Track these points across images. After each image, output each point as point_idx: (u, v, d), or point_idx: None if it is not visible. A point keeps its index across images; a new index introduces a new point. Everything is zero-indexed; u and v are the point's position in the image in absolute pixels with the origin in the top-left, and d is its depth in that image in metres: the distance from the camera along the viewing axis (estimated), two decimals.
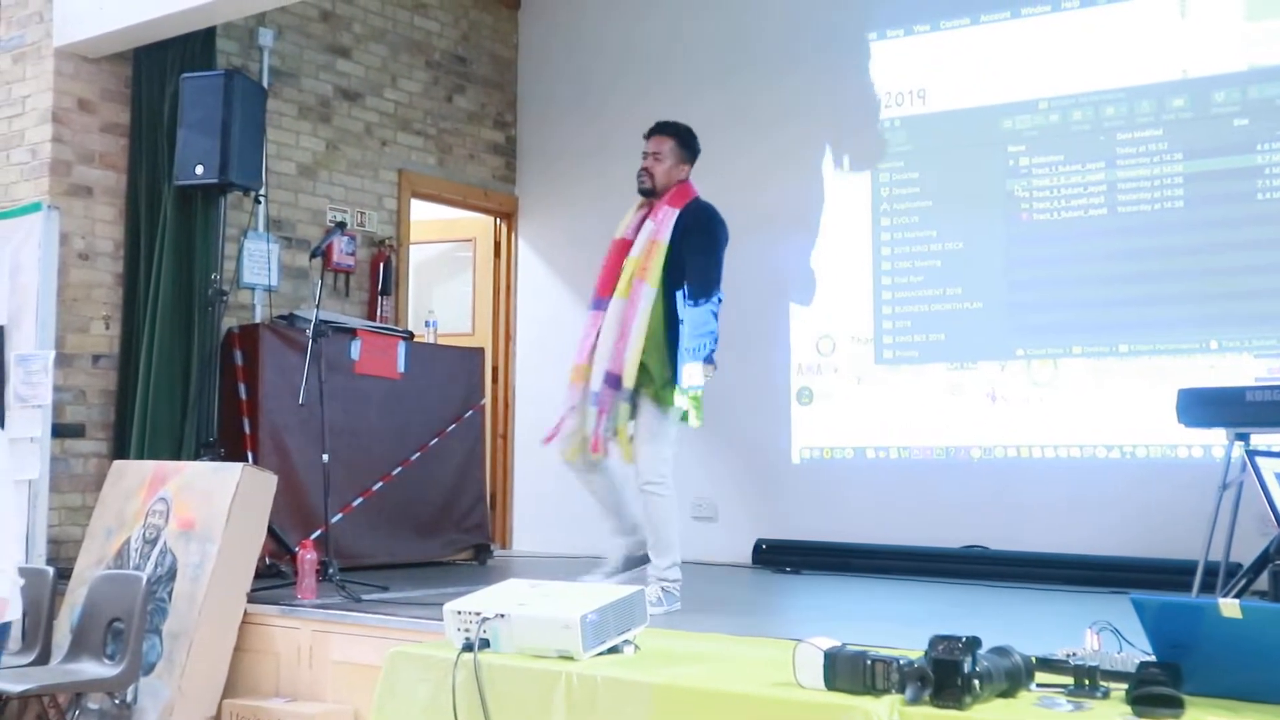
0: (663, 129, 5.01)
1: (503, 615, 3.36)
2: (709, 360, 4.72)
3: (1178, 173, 6.20)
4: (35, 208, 5.56)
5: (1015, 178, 6.61)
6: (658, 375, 4.77)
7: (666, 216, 4.84)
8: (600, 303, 4.94)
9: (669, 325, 4.77)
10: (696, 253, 4.80)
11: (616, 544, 5.05)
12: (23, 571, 4.91)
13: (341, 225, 6.42)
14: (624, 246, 4.95)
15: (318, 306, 5.68)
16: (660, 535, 4.82)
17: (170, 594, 4.88)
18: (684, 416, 4.80)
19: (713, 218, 4.90)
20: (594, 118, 7.99)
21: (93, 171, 6.05)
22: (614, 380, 4.76)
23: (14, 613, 3.92)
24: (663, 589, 4.74)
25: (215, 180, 5.75)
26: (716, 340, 4.76)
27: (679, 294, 4.78)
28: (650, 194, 4.96)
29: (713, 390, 4.90)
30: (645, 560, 4.91)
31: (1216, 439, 5.57)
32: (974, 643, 2.68)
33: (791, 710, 2.81)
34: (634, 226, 4.98)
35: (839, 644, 2.86)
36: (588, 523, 7.57)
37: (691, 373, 4.69)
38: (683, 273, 4.78)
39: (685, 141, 4.99)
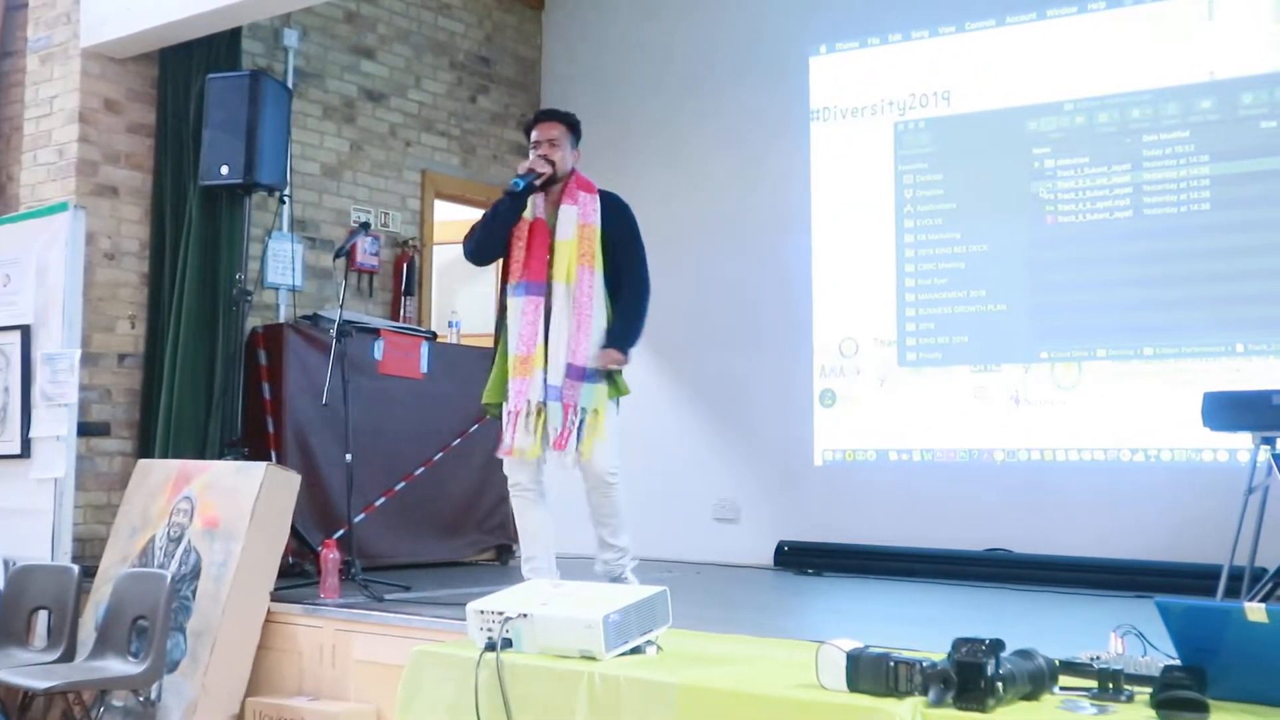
0: (552, 115, 5.03)
1: (525, 615, 3.36)
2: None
3: (1204, 175, 6.16)
4: (62, 208, 5.59)
5: (1040, 180, 6.59)
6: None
7: (587, 201, 4.85)
8: (534, 287, 4.79)
9: (609, 312, 4.81)
10: (630, 241, 4.87)
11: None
12: (47, 569, 4.98)
13: (365, 226, 6.42)
14: (542, 227, 4.84)
15: (341, 307, 5.70)
16: (623, 519, 4.97)
17: (194, 592, 4.91)
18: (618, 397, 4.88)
19: (629, 208, 4.97)
20: (616, 119, 7.99)
21: (119, 172, 6.09)
22: (578, 372, 4.71)
23: None
24: (632, 570, 4.86)
25: (240, 180, 5.77)
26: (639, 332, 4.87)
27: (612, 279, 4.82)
28: (552, 182, 4.89)
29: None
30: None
31: (1242, 443, 5.56)
32: (997, 645, 2.67)
33: (814, 712, 2.81)
34: (542, 209, 4.89)
35: (862, 645, 2.85)
36: None
37: (618, 359, 4.74)
38: (613, 258, 4.82)
39: (574, 126, 5.02)
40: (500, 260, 5.00)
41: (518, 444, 4.80)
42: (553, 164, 4.85)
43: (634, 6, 8.09)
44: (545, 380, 4.73)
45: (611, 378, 4.81)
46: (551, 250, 4.78)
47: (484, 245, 4.93)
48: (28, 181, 6.14)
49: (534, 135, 4.97)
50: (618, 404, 4.88)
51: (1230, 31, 6.14)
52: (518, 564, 7.00)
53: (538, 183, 4.82)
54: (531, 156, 4.91)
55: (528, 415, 4.76)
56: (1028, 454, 6.52)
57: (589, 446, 4.75)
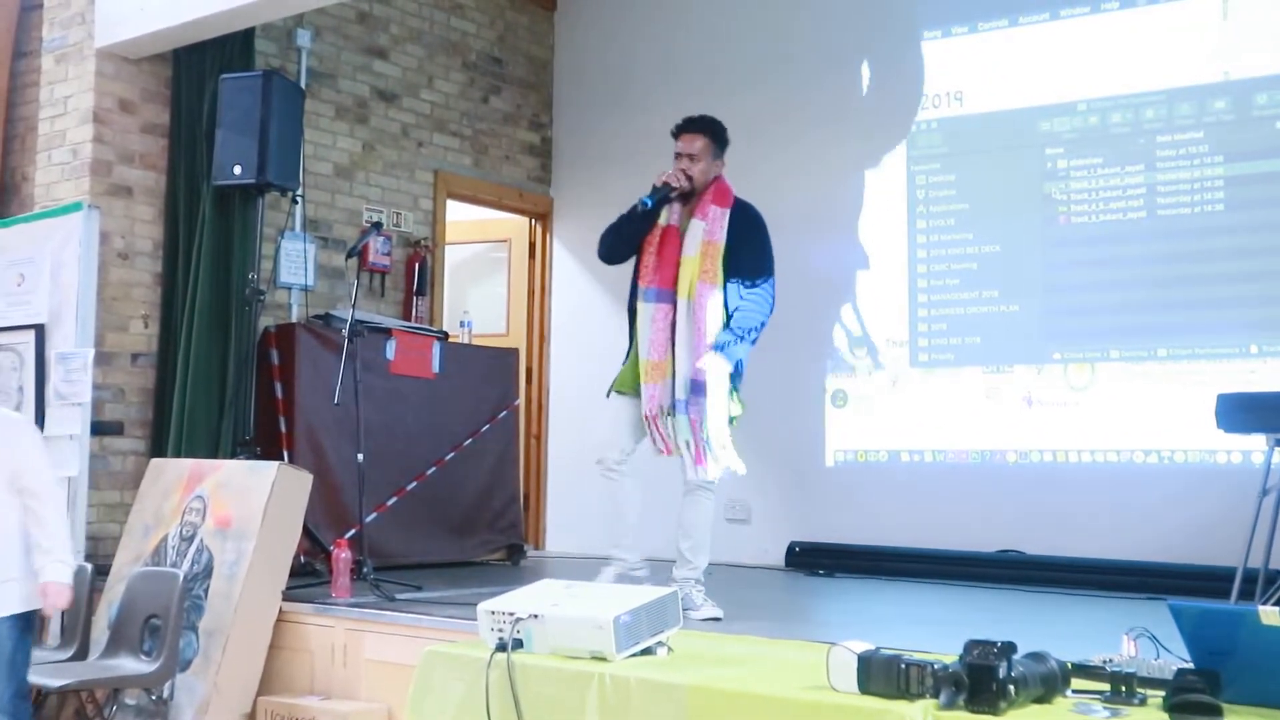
0: (693, 125, 4.95)
1: (536, 615, 3.37)
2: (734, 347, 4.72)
3: (1218, 175, 6.14)
4: (76, 207, 5.61)
5: (1053, 180, 6.57)
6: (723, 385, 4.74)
7: (717, 216, 4.81)
8: (664, 294, 4.80)
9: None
10: (753, 254, 4.82)
11: (627, 558, 4.95)
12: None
13: (378, 225, 6.45)
14: (674, 234, 4.85)
15: (354, 306, 5.71)
16: (704, 537, 4.84)
17: (206, 591, 4.92)
18: (731, 420, 4.79)
19: (761, 219, 4.90)
20: (630, 119, 7.99)
21: (133, 171, 6.10)
22: (700, 388, 4.69)
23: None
24: (702, 590, 4.75)
25: (253, 180, 5.78)
26: (757, 333, 4.78)
27: (732, 287, 4.77)
28: (689, 194, 4.88)
29: (747, 392, 4.90)
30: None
31: (1256, 444, 5.54)
32: (1009, 648, 2.66)
33: (825, 714, 2.80)
34: (678, 215, 4.89)
35: (873, 647, 2.84)
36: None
37: (710, 363, 4.66)
38: (737, 273, 4.77)
39: (717, 136, 4.95)
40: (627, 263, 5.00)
41: (675, 445, 4.78)
42: (690, 178, 4.83)
43: (645, 6, 8.09)
44: (673, 391, 4.74)
45: (731, 394, 4.75)
46: (678, 261, 4.79)
47: (615, 249, 4.97)
48: (42, 181, 6.16)
49: (677, 146, 4.93)
50: (732, 422, 4.79)
51: (1244, 31, 6.11)
52: (529, 564, 7.04)
53: (672, 195, 4.83)
54: (672, 168, 4.89)
55: (665, 417, 4.76)
56: (1040, 455, 6.50)
57: (713, 464, 4.73)
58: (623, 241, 4.92)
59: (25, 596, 3.91)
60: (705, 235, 4.77)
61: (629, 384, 4.87)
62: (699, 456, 4.71)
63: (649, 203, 4.79)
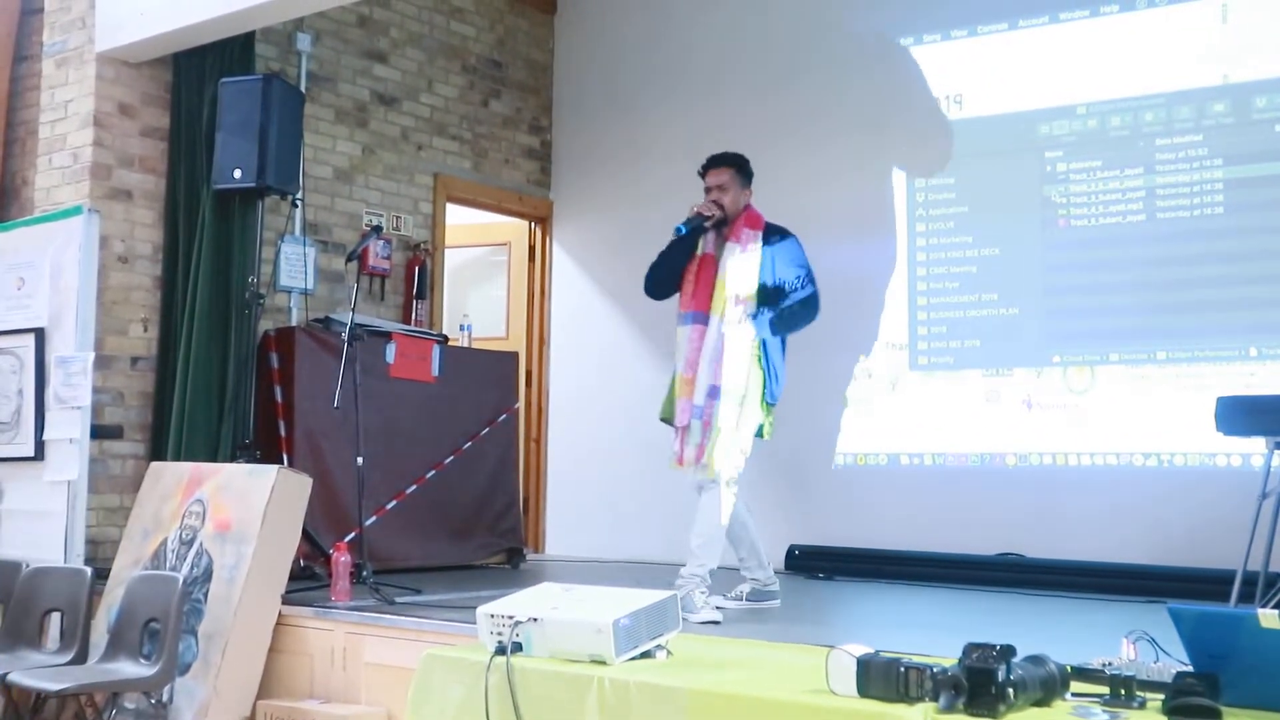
0: (719, 160, 5.29)
1: (535, 619, 3.37)
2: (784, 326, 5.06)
3: (1218, 178, 6.14)
4: (76, 211, 5.61)
5: (1053, 183, 6.57)
6: (751, 393, 5.01)
7: (749, 238, 5.11)
8: (699, 316, 5.12)
9: (760, 345, 5.03)
10: (790, 265, 5.11)
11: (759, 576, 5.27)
12: (60, 571, 5.00)
13: (377, 229, 6.45)
14: (710, 261, 5.16)
15: (353, 310, 5.72)
16: (712, 534, 5.03)
17: (206, 595, 4.92)
18: (760, 432, 5.07)
19: (793, 237, 5.18)
20: (629, 123, 8.01)
21: (133, 175, 6.11)
22: (715, 392, 4.98)
23: None
24: (705, 592, 4.89)
25: (253, 184, 5.79)
26: (798, 322, 5.11)
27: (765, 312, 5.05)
28: (722, 223, 5.18)
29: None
30: (773, 596, 5.24)
31: (1256, 447, 5.54)
32: (1008, 651, 2.66)
33: (824, 717, 2.81)
34: (713, 244, 5.20)
35: (872, 651, 2.85)
36: (620, 527, 7.63)
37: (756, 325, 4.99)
38: (776, 288, 5.08)
39: (742, 168, 5.28)
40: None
41: (685, 456, 5.11)
42: (721, 208, 5.15)
43: (645, 10, 8.09)
44: (692, 401, 5.04)
45: (755, 405, 5.01)
46: (714, 284, 5.09)
47: (659, 284, 5.29)
48: (42, 185, 6.17)
49: (706, 182, 5.26)
50: (760, 433, 5.07)
51: (1244, 35, 6.11)
52: (528, 567, 7.05)
53: (707, 225, 5.14)
54: (703, 200, 5.21)
55: (688, 431, 5.07)
56: (1040, 458, 6.50)
57: (712, 461, 4.98)
58: (665, 274, 5.25)
59: None
60: (741, 256, 5.09)
61: (668, 411, 5.22)
62: (699, 453, 4.96)
63: (683, 229, 5.11)
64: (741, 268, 5.05)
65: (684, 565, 4.97)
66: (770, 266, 5.08)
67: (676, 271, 5.21)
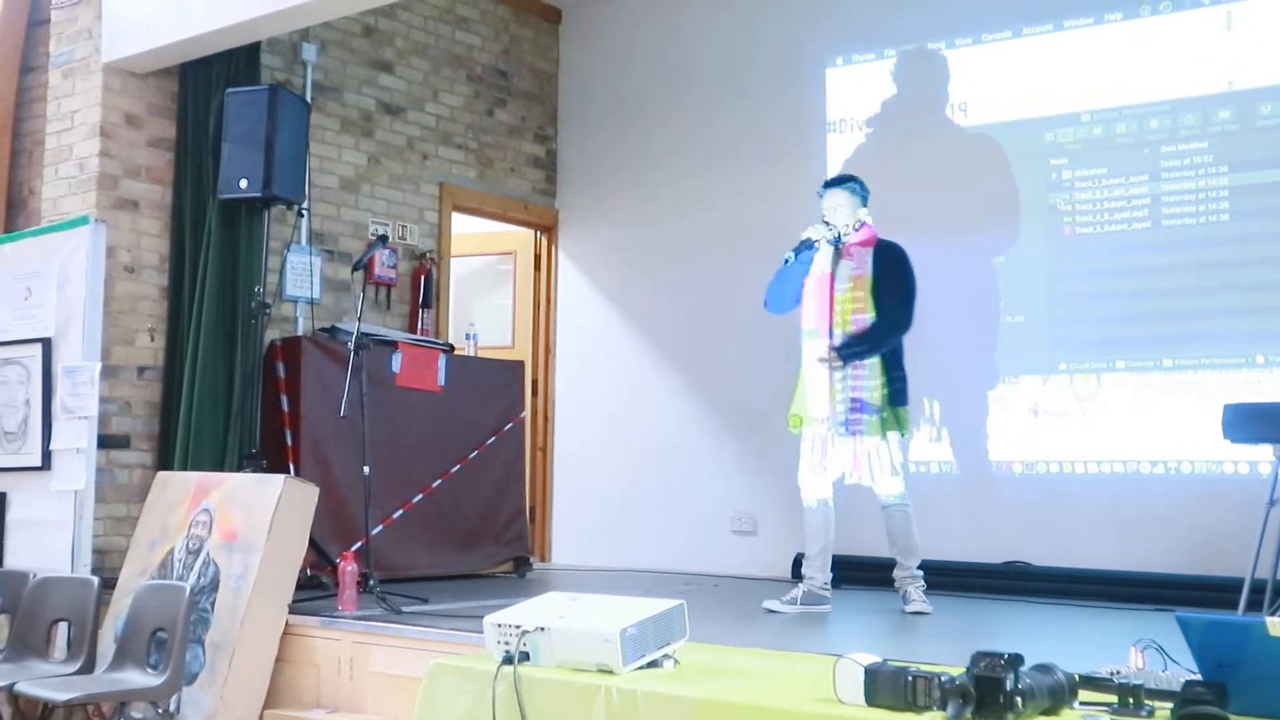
0: (835, 182, 5.61)
1: (542, 628, 3.36)
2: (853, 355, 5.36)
3: (1223, 186, 6.14)
4: (83, 221, 5.63)
5: (1058, 191, 6.57)
6: (885, 402, 5.35)
7: (862, 255, 5.43)
8: (818, 332, 5.43)
9: (885, 355, 5.37)
10: (894, 282, 5.39)
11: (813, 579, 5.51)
12: (67, 581, 5.00)
13: (383, 238, 6.45)
14: (826, 280, 5.44)
15: (359, 319, 5.72)
16: (913, 542, 5.48)
17: (213, 604, 4.92)
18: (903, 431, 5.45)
19: (903, 253, 5.48)
20: (634, 131, 8.02)
21: (139, 185, 6.12)
22: (860, 405, 5.33)
23: None
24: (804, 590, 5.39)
25: (259, 194, 5.80)
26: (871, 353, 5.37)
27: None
28: (836, 242, 5.46)
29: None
30: (824, 601, 5.47)
31: (1263, 455, 5.53)
32: (1016, 659, 2.66)
33: None
34: (829, 262, 5.47)
35: (880, 660, 2.84)
36: (626, 536, 7.63)
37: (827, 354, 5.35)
38: (885, 301, 5.38)
39: (855, 190, 5.55)
40: None
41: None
42: (833, 227, 5.45)
43: (651, 20, 8.11)
44: (834, 415, 5.36)
45: (894, 413, 5.36)
46: (833, 300, 5.41)
47: (775, 300, 5.58)
48: (49, 195, 6.18)
49: (822, 202, 5.57)
50: (902, 435, 5.43)
51: (1249, 42, 6.11)
52: (535, 576, 7.05)
53: (816, 246, 5.42)
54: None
55: (824, 442, 5.41)
56: (1046, 466, 6.49)
57: (873, 473, 5.38)
58: (781, 292, 5.55)
59: None
60: (853, 271, 5.42)
61: (796, 425, 5.54)
62: (857, 467, 5.37)
63: (793, 255, 5.42)
64: (857, 283, 5.37)
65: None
66: (880, 289, 5.37)
67: (791, 290, 5.51)
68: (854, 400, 5.31)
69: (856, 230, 5.48)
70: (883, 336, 5.35)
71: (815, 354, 5.39)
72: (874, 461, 5.34)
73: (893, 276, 5.41)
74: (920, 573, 5.47)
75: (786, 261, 5.42)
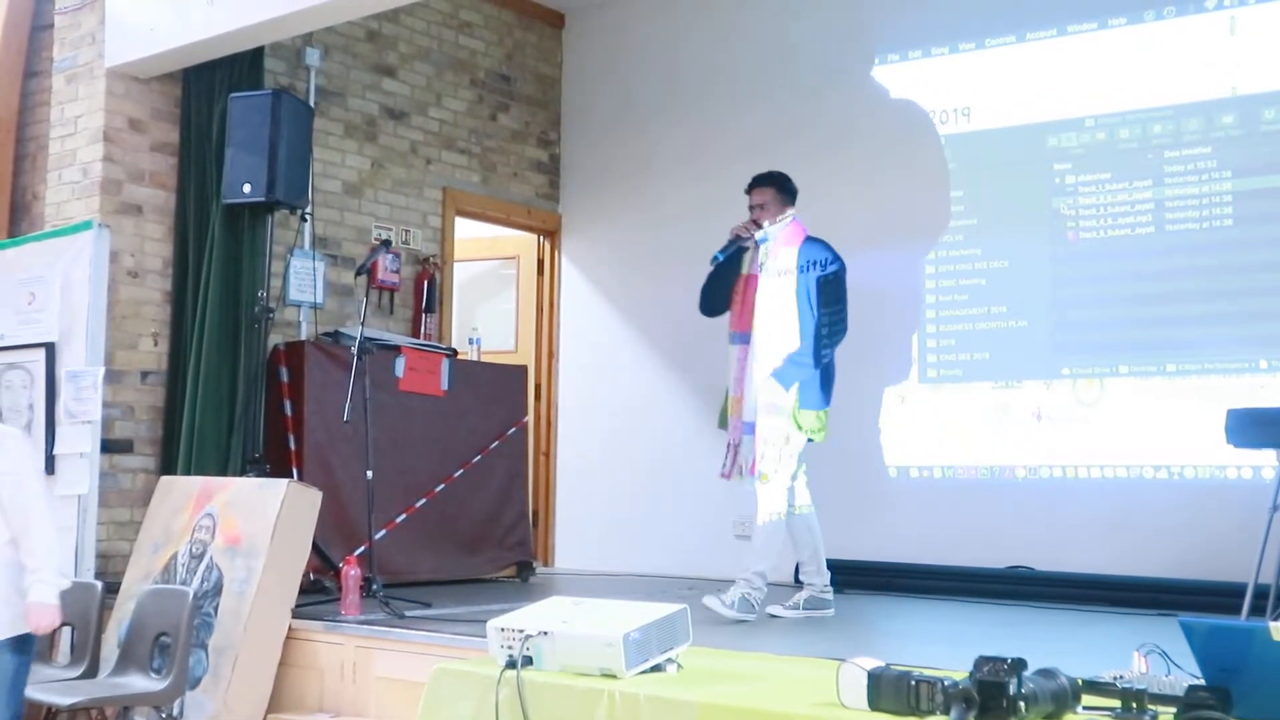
0: (760, 181, 5.44)
1: (546, 633, 3.36)
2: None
3: (1227, 191, 6.13)
4: (86, 226, 5.64)
5: (1061, 196, 6.57)
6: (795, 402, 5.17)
7: (788, 256, 5.25)
8: (742, 337, 5.32)
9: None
10: (822, 285, 5.21)
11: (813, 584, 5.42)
12: (71, 586, 4.99)
13: (386, 243, 6.46)
14: (752, 281, 5.33)
15: (362, 324, 5.73)
16: (759, 545, 5.25)
17: (216, 609, 4.92)
18: (810, 437, 5.23)
19: (829, 250, 5.30)
20: (637, 136, 8.02)
21: (142, 190, 6.13)
22: (765, 408, 5.14)
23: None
24: (743, 595, 5.13)
25: (262, 198, 5.81)
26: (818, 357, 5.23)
27: (806, 316, 5.19)
28: (764, 241, 5.34)
29: None
30: (826, 605, 5.37)
31: (1266, 460, 5.53)
32: (1019, 664, 2.66)
33: None
34: (757, 264, 5.36)
35: (883, 664, 2.84)
36: (629, 540, 7.62)
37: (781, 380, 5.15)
38: (809, 302, 5.20)
39: (783, 187, 5.42)
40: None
41: (734, 471, 5.37)
42: (760, 226, 5.31)
43: (654, 24, 8.11)
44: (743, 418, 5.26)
45: (792, 416, 5.15)
46: (754, 304, 5.29)
47: (706, 303, 5.47)
48: (53, 200, 6.19)
49: (750, 201, 5.42)
50: (804, 439, 5.21)
51: (1252, 47, 6.11)
52: (538, 581, 7.04)
53: (745, 245, 5.34)
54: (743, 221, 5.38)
55: (738, 447, 5.30)
56: (1049, 471, 6.49)
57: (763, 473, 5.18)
58: (711, 295, 5.44)
59: (15, 619, 3.83)
60: (778, 273, 5.25)
61: (723, 422, 5.42)
62: (752, 467, 5.17)
63: (720, 256, 5.32)
64: (780, 285, 5.20)
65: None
66: (805, 293, 5.20)
67: (721, 292, 5.40)
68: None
69: (783, 228, 5.32)
70: (820, 352, 5.20)
71: (739, 358, 5.27)
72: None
73: (821, 278, 5.23)
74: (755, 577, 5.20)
75: (715, 261, 5.32)
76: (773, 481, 5.13)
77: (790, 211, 5.37)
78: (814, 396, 5.19)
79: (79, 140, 6.12)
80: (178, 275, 6.16)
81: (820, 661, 3.59)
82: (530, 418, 7.63)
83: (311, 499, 5.18)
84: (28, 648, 3.94)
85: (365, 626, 4.88)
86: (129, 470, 5.99)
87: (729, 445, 5.35)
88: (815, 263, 5.21)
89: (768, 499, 5.15)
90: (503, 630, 3.44)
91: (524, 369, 7.57)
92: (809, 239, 5.31)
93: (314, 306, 6.70)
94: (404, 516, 6.40)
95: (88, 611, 4.80)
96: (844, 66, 7.30)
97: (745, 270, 5.38)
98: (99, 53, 6.08)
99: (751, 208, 5.39)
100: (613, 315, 8.03)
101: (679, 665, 3.41)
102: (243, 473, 5.68)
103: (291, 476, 5.81)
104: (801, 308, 5.17)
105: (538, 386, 8.13)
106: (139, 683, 4.58)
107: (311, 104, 6.69)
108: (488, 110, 7.99)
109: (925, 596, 6.32)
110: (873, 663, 2.84)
